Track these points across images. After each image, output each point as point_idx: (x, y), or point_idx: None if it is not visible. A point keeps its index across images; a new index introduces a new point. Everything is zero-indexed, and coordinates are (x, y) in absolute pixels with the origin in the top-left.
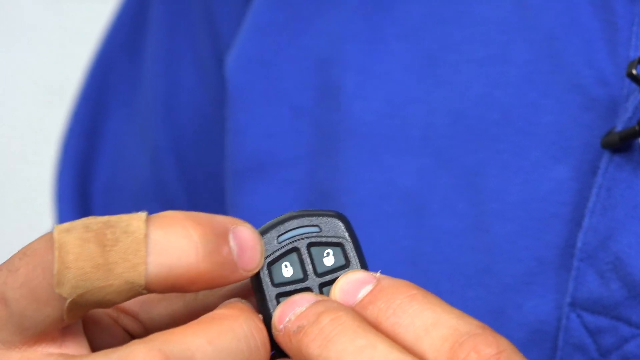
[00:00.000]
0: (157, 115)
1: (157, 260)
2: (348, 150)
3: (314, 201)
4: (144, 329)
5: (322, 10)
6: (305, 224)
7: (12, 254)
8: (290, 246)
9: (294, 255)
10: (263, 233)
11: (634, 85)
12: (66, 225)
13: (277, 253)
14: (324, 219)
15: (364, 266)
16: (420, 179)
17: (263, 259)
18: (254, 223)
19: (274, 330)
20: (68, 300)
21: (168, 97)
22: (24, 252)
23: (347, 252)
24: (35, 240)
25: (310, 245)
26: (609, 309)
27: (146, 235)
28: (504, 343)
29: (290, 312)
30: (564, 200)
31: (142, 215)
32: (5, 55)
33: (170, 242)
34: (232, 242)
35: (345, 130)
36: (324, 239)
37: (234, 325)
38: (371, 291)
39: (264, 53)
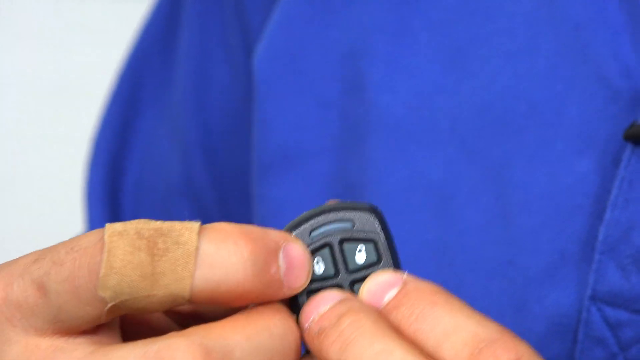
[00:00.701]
0: (188, 111)
1: (204, 275)
2: (374, 143)
3: (340, 193)
4: (165, 316)
5: (349, 2)
6: (339, 218)
7: (13, 254)
8: (323, 241)
9: (326, 251)
10: (296, 227)
11: None
12: (119, 227)
13: (310, 248)
14: (358, 213)
15: (396, 263)
16: (447, 171)
17: (310, 278)
18: (281, 215)
19: (301, 329)
20: (109, 305)
21: (199, 94)
22: (71, 247)
23: (380, 248)
24: (85, 235)
25: (342, 241)
26: (629, 303)
27: (197, 248)
28: (523, 348)
29: (315, 312)
30: (586, 193)
31: (195, 226)
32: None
33: (221, 258)
34: (281, 260)
35: (372, 122)
36: (356, 235)
37: (270, 324)
38: (396, 295)
39: (291, 45)
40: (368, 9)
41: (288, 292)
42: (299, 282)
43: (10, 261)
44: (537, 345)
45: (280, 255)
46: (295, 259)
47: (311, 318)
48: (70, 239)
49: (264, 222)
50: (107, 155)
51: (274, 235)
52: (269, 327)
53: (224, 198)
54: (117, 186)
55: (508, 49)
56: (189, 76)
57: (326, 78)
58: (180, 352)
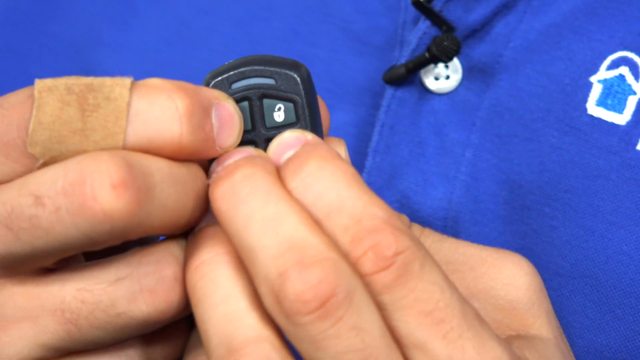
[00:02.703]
0: None
1: (137, 131)
2: None
3: None
4: None
5: None
6: (262, 72)
7: None
8: (243, 94)
9: (245, 105)
10: (216, 76)
11: (408, 19)
12: (48, 82)
13: None
14: (282, 70)
15: (314, 126)
16: None
17: (240, 137)
18: None
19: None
20: (40, 162)
21: None
22: (0, 104)
23: (299, 109)
24: (13, 93)
25: (262, 96)
26: None
27: (129, 104)
28: (406, 241)
29: (220, 165)
30: (348, 145)
31: (127, 81)
32: None
33: (154, 113)
34: (213, 118)
35: None
36: (277, 93)
37: (191, 165)
38: (291, 156)
39: (12, 42)
40: (92, 0)
41: (220, 152)
42: (230, 140)
43: None
44: None
45: (213, 113)
46: (228, 118)
47: (215, 169)
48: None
49: None
50: None
51: (206, 92)
52: (189, 166)
53: None
54: None
55: (239, 16)
56: None
57: (51, 71)
58: (104, 162)
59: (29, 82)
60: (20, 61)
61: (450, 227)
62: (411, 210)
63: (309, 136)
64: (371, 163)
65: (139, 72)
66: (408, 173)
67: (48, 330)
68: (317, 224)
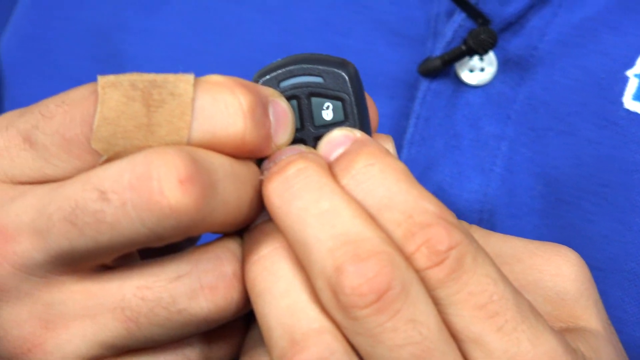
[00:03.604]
0: None
1: (201, 127)
2: None
3: None
4: None
5: None
6: (310, 71)
7: None
8: (291, 93)
9: (294, 104)
10: (264, 74)
11: (442, 11)
12: (112, 78)
13: None
14: (330, 68)
15: (363, 124)
16: None
17: (293, 135)
18: None
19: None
20: (103, 158)
21: None
22: (62, 100)
23: (347, 107)
24: (75, 89)
25: (311, 95)
26: None
27: (193, 99)
28: (458, 236)
29: (271, 162)
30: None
31: (190, 77)
32: None
33: (218, 109)
34: (271, 115)
35: None
36: (325, 91)
37: (251, 165)
38: (341, 153)
39: (39, 31)
40: None
41: (275, 149)
42: (285, 138)
43: None
44: None
45: (270, 110)
46: (282, 115)
47: (267, 166)
48: (59, 94)
49: None
50: None
51: (263, 89)
52: (247, 163)
53: None
54: None
55: (274, 6)
56: None
57: (77, 57)
58: (170, 157)
59: (56, 69)
60: (48, 48)
61: (486, 220)
62: (446, 202)
63: (358, 133)
64: (406, 155)
65: (166, 60)
66: (443, 165)
67: (107, 328)
68: (371, 218)
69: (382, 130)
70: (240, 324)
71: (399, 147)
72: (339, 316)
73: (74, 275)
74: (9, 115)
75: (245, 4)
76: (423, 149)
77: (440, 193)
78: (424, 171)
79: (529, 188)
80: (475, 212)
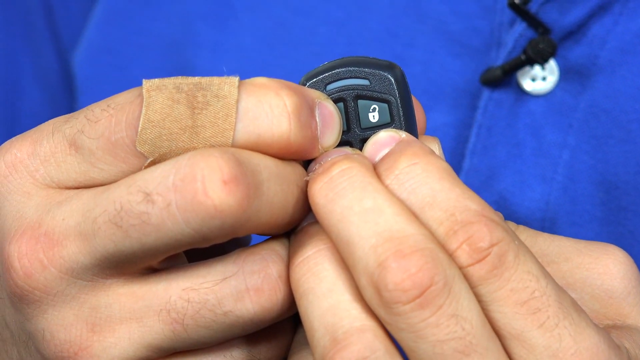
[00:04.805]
0: None
1: (246, 129)
2: None
3: None
4: None
5: None
6: (356, 74)
7: None
8: (338, 96)
9: (341, 106)
10: (311, 77)
11: (505, 20)
12: (157, 82)
13: None
14: (376, 71)
15: (409, 126)
16: None
17: (340, 137)
18: None
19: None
20: (148, 160)
21: (8, 105)
22: (107, 105)
23: (393, 110)
24: (121, 93)
25: (357, 97)
26: None
27: (237, 101)
28: (500, 233)
29: (318, 163)
30: (444, 146)
31: (235, 79)
32: None
33: (263, 111)
34: (317, 117)
35: None
36: (372, 94)
37: (296, 165)
38: (386, 154)
39: (111, 43)
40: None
41: (320, 151)
42: (332, 140)
43: (42, 124)
44: None
45: (317, 112)
46: (329, 117)
47: (313, 168)
48: (104, 99)
49: None
50: None
51: (309, 91)
52: (293, 165)
53: None
54: None
55: (336, 17)
56: None
57: (149, 69)
58: (215, 158)
59: (128, 81)
60: (120, 60)
61: (548, 228)
62: (509, 211)
63: (403, 134)
64: (468, 164)
65: (236, 73)
66: (505, 174)
67: (154, 331)
68: (414, 216)
69: (444, 139)
70: (288, 327)
71: (461, 157)
72: (382, 312)
73: (120, 278)
74: (54, 122)
75: (312, 17)
76: (485, 158)
77: (502, 202)
78: (486, 180)
79: (590, 196)
80: (537, 220)
